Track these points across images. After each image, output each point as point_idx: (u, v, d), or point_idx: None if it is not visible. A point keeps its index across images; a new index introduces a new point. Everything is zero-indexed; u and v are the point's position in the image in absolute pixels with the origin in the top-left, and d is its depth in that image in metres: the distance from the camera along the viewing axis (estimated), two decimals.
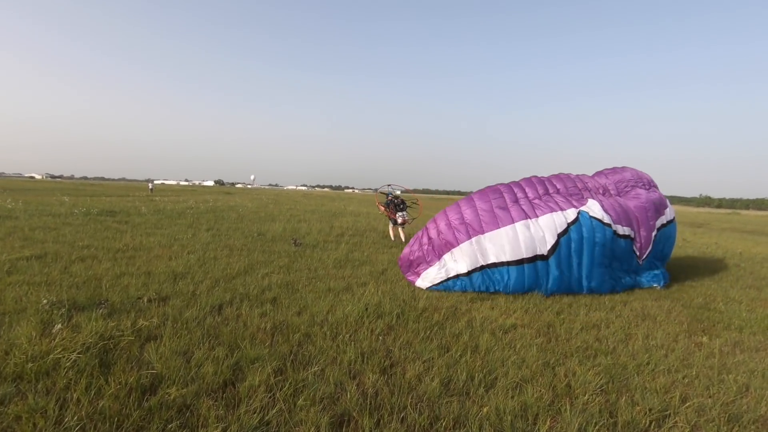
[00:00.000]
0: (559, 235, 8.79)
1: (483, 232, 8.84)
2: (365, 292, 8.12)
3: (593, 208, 9.26)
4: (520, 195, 9.62)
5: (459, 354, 5.39)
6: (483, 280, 8.73)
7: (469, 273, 8.76)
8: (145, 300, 6.67)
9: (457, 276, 8.77)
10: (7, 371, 4.12)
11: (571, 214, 9.00)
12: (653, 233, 10.13)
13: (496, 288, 8.70)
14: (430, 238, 9.54)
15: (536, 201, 9.45)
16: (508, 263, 8.68)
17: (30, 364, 4.22)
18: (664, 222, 10.63)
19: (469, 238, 8.83)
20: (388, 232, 17.14)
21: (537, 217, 8.94)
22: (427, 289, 8.75)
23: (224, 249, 11.99)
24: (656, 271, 10.33)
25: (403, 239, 15.93)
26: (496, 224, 8.85)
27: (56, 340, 4.79)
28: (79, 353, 4.54)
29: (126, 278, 8.04)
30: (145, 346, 4.96)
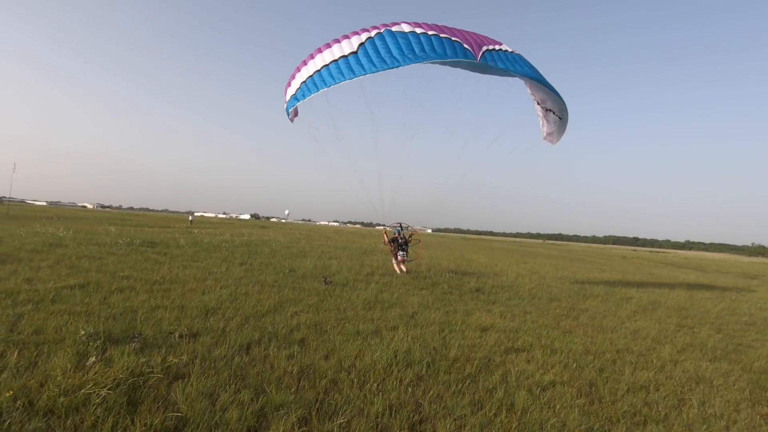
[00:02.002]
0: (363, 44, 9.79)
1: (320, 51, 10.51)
2: (394, 336, 7.89)
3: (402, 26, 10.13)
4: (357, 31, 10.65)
5: (493, 413, 5.04)
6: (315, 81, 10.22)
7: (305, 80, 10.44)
8: (177, 335, 6.72)
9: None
10: (39, 404, 4.17)
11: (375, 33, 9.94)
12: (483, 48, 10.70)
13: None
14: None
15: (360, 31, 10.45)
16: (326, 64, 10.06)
17: (62, 399, 4.26)
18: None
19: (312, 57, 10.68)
20: (394, 268, 17.58)
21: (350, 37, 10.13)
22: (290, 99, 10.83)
23: (256, 284, 12.10)
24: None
25: (405, 270, 16.77)
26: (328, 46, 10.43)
27: (89, 374, 4.84)
28: (109, 389, 4.56)
29: (160, 311, 8.18)
30: (172, 385, 4.93)
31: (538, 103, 13.54)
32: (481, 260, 31.19)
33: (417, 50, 9.33)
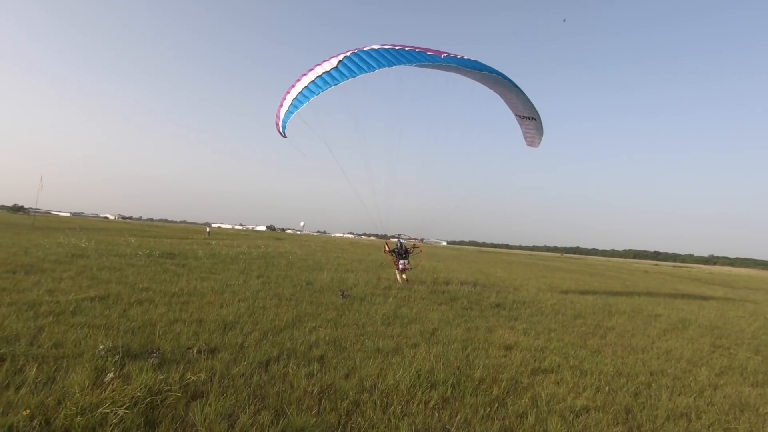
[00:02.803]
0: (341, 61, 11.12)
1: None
2: (416, 355, 7.62)
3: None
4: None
5: None
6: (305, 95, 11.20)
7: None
8: (195, 351, 6.60)
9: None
10: (56, 424, 4.06)
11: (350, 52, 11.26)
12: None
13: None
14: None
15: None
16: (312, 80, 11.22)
17: (79, 418, 4.14)
18: None
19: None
20: (396, 277, 18.16)
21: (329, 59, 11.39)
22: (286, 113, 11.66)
23: (273, 298, 11.99)
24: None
25: (407, 280, 17.35)
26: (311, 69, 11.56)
27: (107, 392, 4.73)
28: (126, 408, 4.43)
29: (178, 325, 8.09)
30: (191, 405, 4.78)
31: (516, 115, 14.42)
32: (499, 274, 30.63)
33: (389, 57, 10.83)
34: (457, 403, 5.61)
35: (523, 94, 13.56)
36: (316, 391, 5.53)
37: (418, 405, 5.39)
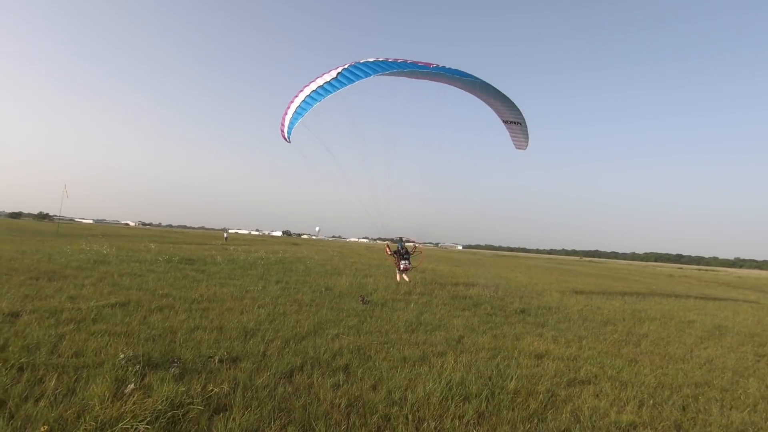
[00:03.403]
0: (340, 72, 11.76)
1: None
2: (444, 364, 7.28)
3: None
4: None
5: None
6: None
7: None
8: (216, 360, 6.39)
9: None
10: None
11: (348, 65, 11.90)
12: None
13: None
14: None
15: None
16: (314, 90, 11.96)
17: None
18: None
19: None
20: (396, 277, 18.85)
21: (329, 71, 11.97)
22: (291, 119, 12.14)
23: (293, 304, 11.77)
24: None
25: (408, 280, 18.02)
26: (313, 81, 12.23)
27: (127, 405, 4.53)
28: (147, 423, 4.21)
29: (199, 333, 7.91)
30: (213, 420, 4.54)
31: (504, 122, 15.04)
32: (519, 279, 29.98)
33: (384, 66, 11.74)
34: (493, 419, 5.25)
35: (509, 100, 14.14)
36: (343, 404, 5.24)
37: (452, 420, 5.05)
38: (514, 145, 15.93)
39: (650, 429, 5.41)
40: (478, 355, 8.20)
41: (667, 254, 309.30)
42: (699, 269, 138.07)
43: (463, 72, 12.85)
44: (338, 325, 9.69)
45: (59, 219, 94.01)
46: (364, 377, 6.30)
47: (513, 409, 5.56)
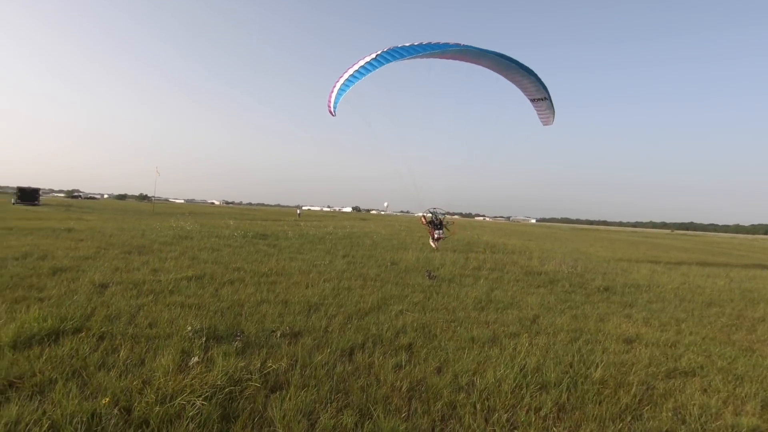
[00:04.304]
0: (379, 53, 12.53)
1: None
2: (517, 346, 6.63)
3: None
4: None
5: None
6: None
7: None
8: (279, 335, 6.33)
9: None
10: (136, 414, 3.87)
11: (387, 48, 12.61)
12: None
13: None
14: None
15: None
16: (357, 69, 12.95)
17: (157, 408, 3.92)
18: None
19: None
20: (430, 243, 19.90)
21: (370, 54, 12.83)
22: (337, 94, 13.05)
23: (358, 278, 11.65)
24: None
25: (439, 248, 18.99)
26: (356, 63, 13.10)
27: (188, 378, 4.52)
28: (205, 399, 4.14)
29: (265, 306, 7.98)
30: (270, 398, 4.39)
31: (530, 99, 15.12)
32: (600, 254, 27.65)
33: (419, 48, 12.65)
34: (576, 413, 4.57)
35: (535, 75, 14.37)
36: (404, 387, 4.86)
37: (527, 413, 4.46)
38: (541, 122, 16.14)
39: None
40: (555, 337, 7.41)
41: None
42: None
43: (491, 51, 13.58)
44: (403, 301, 9.36)
45: (155, 199, 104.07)
46: (428, 358, 5.88)
47: (600, 403, 4.83)
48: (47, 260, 11.41)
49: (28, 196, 57.10)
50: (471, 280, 12.62)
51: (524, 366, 5.72)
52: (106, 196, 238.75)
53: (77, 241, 16.26)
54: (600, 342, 7.33)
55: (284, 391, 4.51)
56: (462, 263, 16.27)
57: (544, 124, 16.08)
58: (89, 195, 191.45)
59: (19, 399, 3.99)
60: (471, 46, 13.13)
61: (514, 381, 5.18)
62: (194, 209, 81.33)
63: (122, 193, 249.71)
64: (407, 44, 13.02)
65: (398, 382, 4.98)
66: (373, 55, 12.92)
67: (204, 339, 5.79)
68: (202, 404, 4.03)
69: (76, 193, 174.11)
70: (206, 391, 4.27)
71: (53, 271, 9.98)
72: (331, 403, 4.35)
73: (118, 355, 5.14)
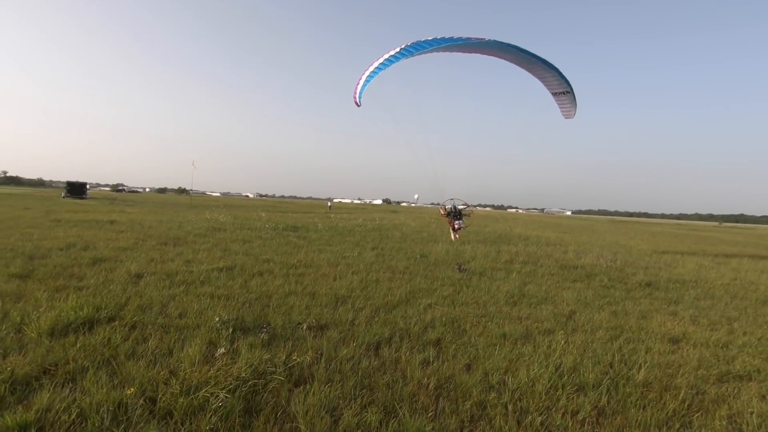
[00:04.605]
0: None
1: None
2: (551, 344, 6.30)
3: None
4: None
5: None
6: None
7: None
8: (305, 327, 6.26)
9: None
10: (160, 405, 3.87)
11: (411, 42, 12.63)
12: None
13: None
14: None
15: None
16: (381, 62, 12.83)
17: (181, 400, 3.91)
18: None
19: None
20: (450, 235, 20.17)
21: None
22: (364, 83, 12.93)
23: (387, 271, 11.51)
24: None
25: (459, 238, 18.77)
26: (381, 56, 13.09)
27: (213, 370, 4.50)
28: (228, 391, 4.10)
29: (292, 298, 7.97)
30: (293, 393, 4.30)
31: (552, 93, 15.08)
32: (641, 247, 26.36)
33: (442, 42, 12.65)
34: (618, 418, 4.25)
35: (556, 70, 14.51)
36: (432, 384, 4.68)
37: (563, 416, 4.18)
38: (563, 115, 16.10)
39: None
40: (594, 335, 7.01)
41: None
42: None
43: (514, 45, 13.59)
44: (432, 294, 9.15)
45: (193, 193, 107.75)
46: (457, 355, 5.66)
47: (644, 408, 4.47)
48: (89, 251, 11.90)
49: (76, 189, 60.23)
50: (503, 274, 12.24)
51: (560, 365, 5.41)
52: (147, 189, 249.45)
53: (118, 232, 16.93)
54: (643, 341, 6.89)
55: (308, 386, 4.42)
56: (493, 256, 15.84)
57: (565, 118, 16.16)
58: (132, 188, 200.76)
59: (51, 386, 4.07)
60: (495, 40, 13.35)
61: (549, 381, 4.89)
62: (229, 202, 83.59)
63: (162, 186, 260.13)
64: (430, 38, 13.15)
65: (425, 379, 4.80)
66: (398, 49, 13.35)
67: (231, 330, 5.80)
68: (226, 397, 3.99)
69: (120, 187, 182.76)
70: (230, 384, 4.24)
71: (93, 261, 10.37)
72: (355, 399, 4.23)
73: (148, 345, 5.21)
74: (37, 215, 23.80)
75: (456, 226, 20.08)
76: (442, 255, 15.32)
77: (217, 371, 4.47)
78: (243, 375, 4.45)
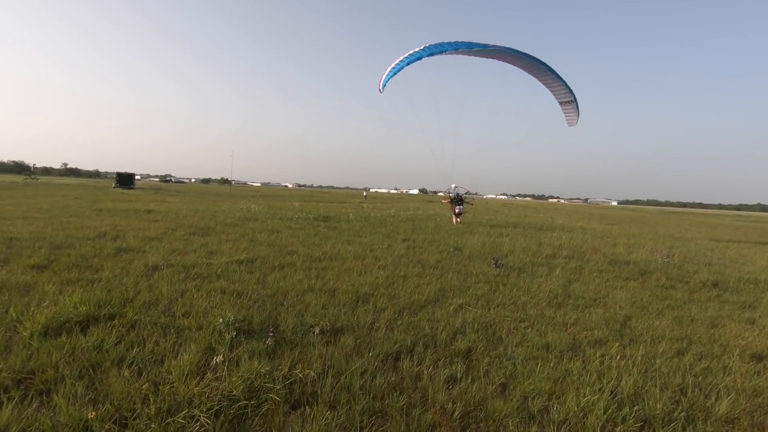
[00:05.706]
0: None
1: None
2: (605, 359, 5.31)
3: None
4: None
5: None
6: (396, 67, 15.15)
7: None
8: (317, 331, 5.59)
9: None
10: (130, 430, 3.29)
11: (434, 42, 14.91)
12: None
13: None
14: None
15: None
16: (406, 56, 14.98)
17: (154, 425, 3.31)
18: None
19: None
20: (452, 219, 22.42)
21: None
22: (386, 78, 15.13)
23: (416, 265, 10.70)
24: None
25: (461, 222, 21.15)
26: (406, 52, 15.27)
27: (200, 385, 3.90)
28: (213, 413, 3.48)
29: (309, 295, 7.33)
30: (289, 417, 3.62)
31: (560, 103, 16.35)
32: (700, 241, 24.06)
33: (459, 45, 14.14)
34: None
35: (563, 80, 15.67)
36: (458, 412, 3.86)
37: None
38: (567, 123, 17.23)
39: None
40: (656, 347, 5.93)
41: None
42: None
43: (526, 53, 14.93)
44: (464, 293, 8.27)
45: (235, 183, 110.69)
46: (490, 371, 4.80)
47: None
48: (117, 240, 11.82)
49: (125, 180, 63.13)
50: (545, 270, 11.13)
51: (616, 389, 4.45)
52: (193, 180, 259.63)
53: (152, 221, 17.03)
54: (718, 357, 5.75)
55: (308, 409, 3.73)
56: (534, 249, 14.63)
57: (569, 125, 17.51)
58: (179, 179, 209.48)
59: (20, 400, 3.60)
60: (509, 48, 14.77)
61: (605, 412, 3.95)
62: (267, 192, 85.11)
63: (206, 177, 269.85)
64: (452, 40, 14.92)
65: (450, 404, 3.99)
66: (422, 47, 14.92)
67: (234, 333, 5.21)
68: (206, 421, 3.36)
69: (167, 178, 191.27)
70: (216, 404, 3.61)
71: (117, 251, 10.21)
72: (362, 429, 3.49)
73: (141, 349, 4.70)
74: (83, 204, 24.68)
75: (457, 211, 21.93)
76: (478, 248, 14.30)
77: (205, 387, 3.86)
78: (234, 392, 3.82)
